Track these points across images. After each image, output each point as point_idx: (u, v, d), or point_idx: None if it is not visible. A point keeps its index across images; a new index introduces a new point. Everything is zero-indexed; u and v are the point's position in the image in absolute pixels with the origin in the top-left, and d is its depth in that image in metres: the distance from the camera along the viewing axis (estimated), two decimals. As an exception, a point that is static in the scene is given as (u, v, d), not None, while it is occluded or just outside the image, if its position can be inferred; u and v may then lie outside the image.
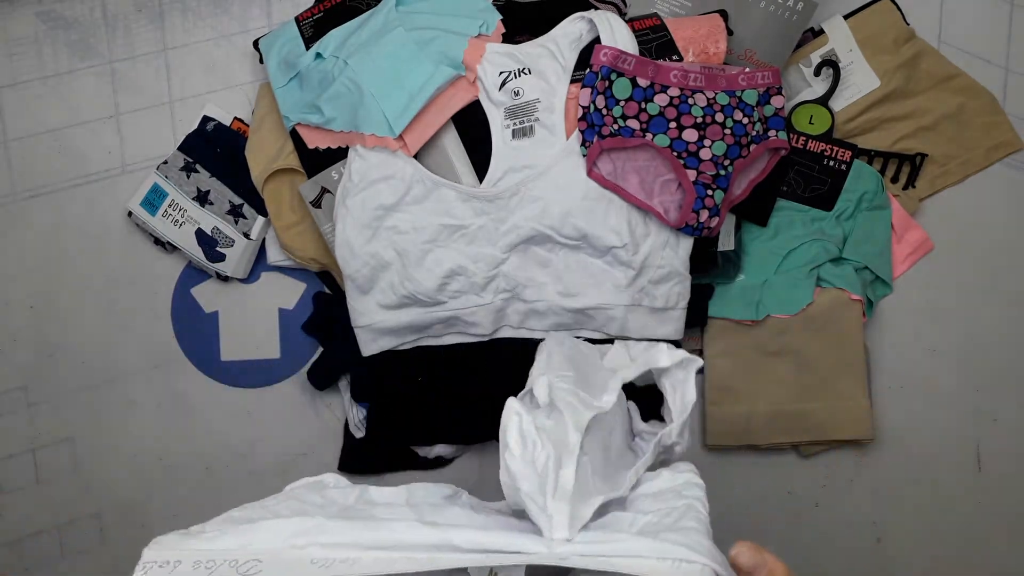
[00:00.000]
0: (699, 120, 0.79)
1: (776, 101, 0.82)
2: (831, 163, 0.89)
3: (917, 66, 0.91)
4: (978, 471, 0.95)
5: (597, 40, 0.80)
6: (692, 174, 0.79)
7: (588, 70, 0.79)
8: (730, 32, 0.84)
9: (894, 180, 0.92)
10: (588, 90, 0.79)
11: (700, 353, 0.91)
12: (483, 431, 0.88)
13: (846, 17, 0.91)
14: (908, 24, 0.91)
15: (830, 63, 0.89)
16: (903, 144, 0.92)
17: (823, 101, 0.89)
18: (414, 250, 0.80)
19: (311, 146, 0.83)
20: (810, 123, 0.89)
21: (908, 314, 0.94)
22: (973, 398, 0.94)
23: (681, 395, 0.67)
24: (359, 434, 0.89)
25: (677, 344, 0.88)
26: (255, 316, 0.91)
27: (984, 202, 0.94)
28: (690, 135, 0.79)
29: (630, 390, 0.82)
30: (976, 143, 0.93)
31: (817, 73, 0.90)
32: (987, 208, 0.94)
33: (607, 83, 0.79)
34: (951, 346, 0.94)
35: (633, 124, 0.79)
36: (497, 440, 0.88)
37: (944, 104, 0.92)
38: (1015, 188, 0.94)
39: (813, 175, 0.89)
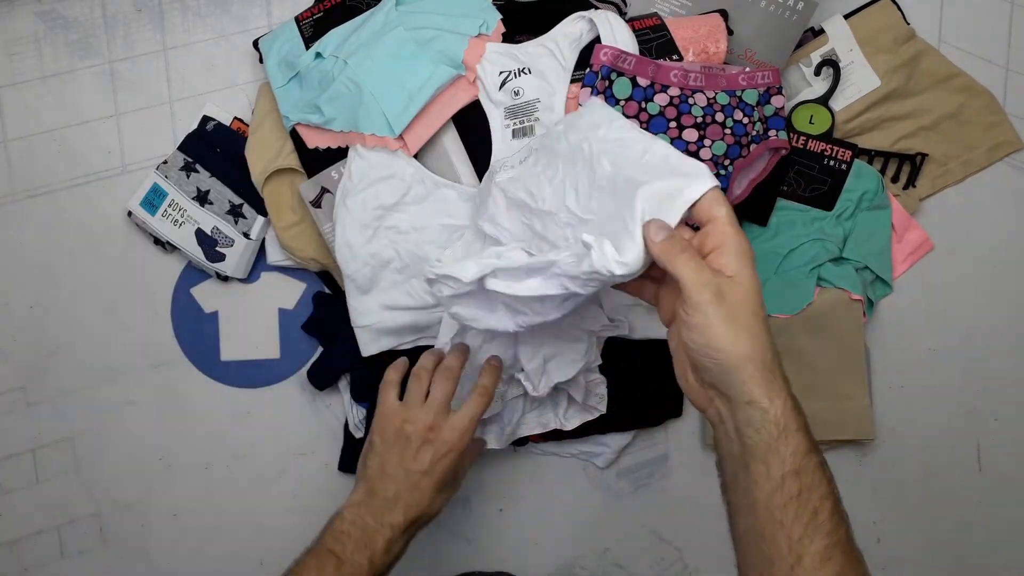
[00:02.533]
0: (699, 120, 0.79)
1: (776, 101, 0.82)
2: (831, 163, 0.89)
3: (917, 66, 0.91)
4: (978, 471, 0.95)
5: (597, 40, 0.80)
6: (692, 174, 0.79)
7: (588, 70, 0.79)
8: (730, 32, 0.84)
9: (894, 180, 0.92)
10: (587, 90, 0.79)
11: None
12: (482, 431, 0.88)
13: (846, 17, 0.91)
14: (908, 24, 0.91)
15: (830, 63, 0.89)
16: (903, 144, 0.92)
17: (823, 101, 0.89)
18: (416, 251, 0.80)
19: (311, 146, 0.83)
20: (810, 123, 0.89)
21: (908, 314, 0.94)
22: (973, 398, 0.94)
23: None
24: (359, 434, 0.89)
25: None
26: (255, 316, 0.91)
27: (984, 202, 0.94)
28: (690, 135, 0.79)
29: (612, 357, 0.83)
30: (976, 143, 0.93)
31: (817, 73, 0.90)
32: (987, 208, 0.94)
33: (607, 83, 0.78)
34: (951, 346, 0.94)
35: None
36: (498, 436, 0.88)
37: (944, 104, 0.92)
38: (1016, 188, 0.94)
39: (813, 175, 0.89)
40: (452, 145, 0.82)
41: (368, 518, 0.71)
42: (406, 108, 0.79)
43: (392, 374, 0.77)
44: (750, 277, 0.54)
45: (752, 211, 0.88)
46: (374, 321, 0.81)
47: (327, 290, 0.90)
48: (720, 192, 0.56)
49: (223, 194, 0.88)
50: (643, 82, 0.79)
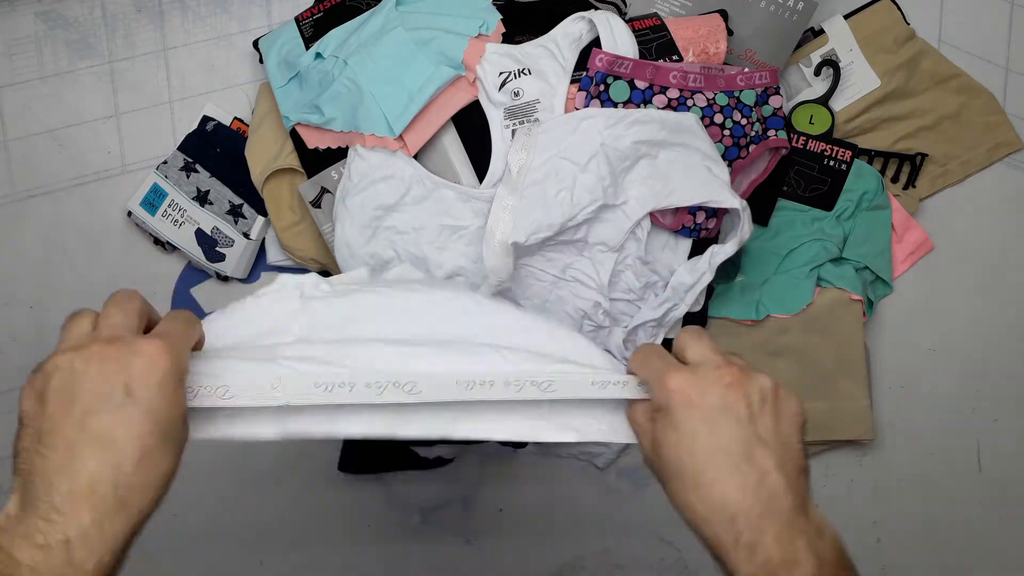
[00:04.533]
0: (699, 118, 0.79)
1: (774, 101, 0.82)
2: (831, 163, 0.89)
3: (917, 66, 0.91)
4: (978, 471, 0.95)
5: (597, 40, 0.80)
6: (692, 174, 0.79)
7: (584, 74, 0.79)
8: (730, 32, 0.84)
9: (894, 180, 0.92)
10: (583, 94, 0.79)
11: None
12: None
13: (846, 17, 0.91)
14: (908, 24, 0.91)
15: (830, 63, 0.89)
16: (903, 144, 0.92)
17: (823, 101, 0.89)
18: (415, 251, 0.80)
19: (311, 146, 0.83)
20: (810, 123, 0.89)
21: (908, 314, 0.94)
22: (973, 398, 0.94)
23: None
24: (359, 434, 0.89)
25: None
26: (255, 316, 0.91)
27: (984, 202, 0.94)
28: (690, 135, 0.79)
29: None
30: (976, 143, 0.93)
31: (817, 73, 0.90)
32: (987, 208, 0.94)
33: (602, 87, 0.78)
34: (951, 346, 0.94)
35: (632, 125, 0.79)
36: (496, 442, 0.89)
37: (944, 104, 0.92)
38: (1016, 188, 0.94)
39: (813, 175, 0.89)
40: (452, 145, 0.82)
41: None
42: (406, 108, 0.79)
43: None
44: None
45: (753, 211, 0.88)
46: (374, 321, 0.81)
47: (327, 290, 0.90)
48: None
49: (223, 194, 0.89)
50: (641, 84, 0.79)
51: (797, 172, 0.89)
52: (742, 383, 0.48)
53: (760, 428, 0.47)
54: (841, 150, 0.88)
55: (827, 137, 0.89)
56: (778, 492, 0.45)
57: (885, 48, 0.90)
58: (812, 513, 0.46)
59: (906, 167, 0.92)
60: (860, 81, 0.90)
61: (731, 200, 0.76)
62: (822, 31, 0.91)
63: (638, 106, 0.78)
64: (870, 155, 0.91)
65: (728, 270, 0.88)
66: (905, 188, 0.92)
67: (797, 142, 0.88)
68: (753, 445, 0.46)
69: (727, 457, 0.46)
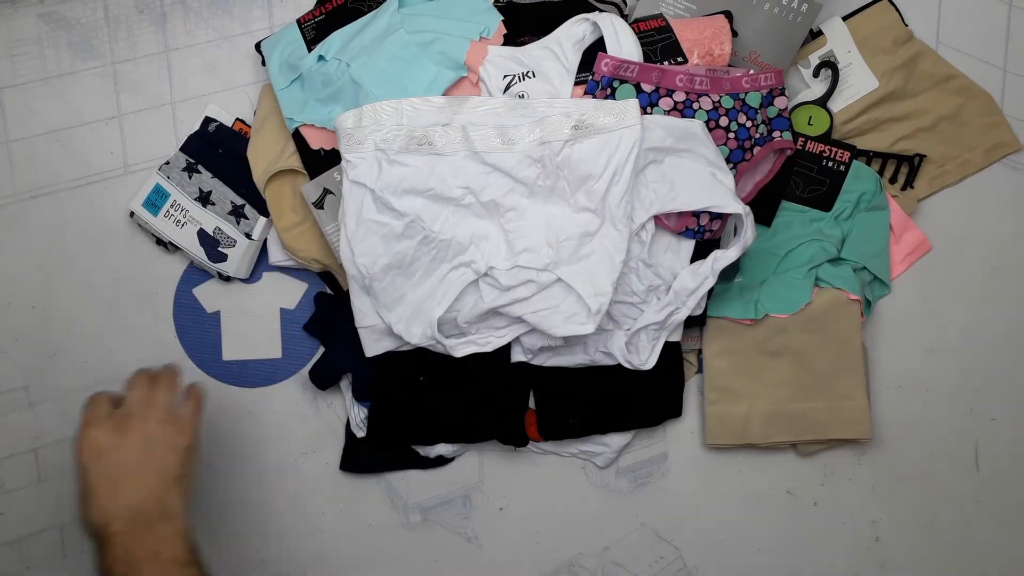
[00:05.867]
0: (704, 124, 0.79)
1: (779, 102, 0.83)
2: (830, 164, 0.89)
3: (915, 67, 0.91)
4: (976, 471, 0.95)
5: (600, 40, 0.80)
6: (694, 177, 0.79)
7: (590, 78, 0.80)
8: (734, 34, 0.85)
9: (892, 181, 0.92)
10: (589, 97, 0.79)
11: (699, 353, 0.92)
12: (484, 431, 0.89)
13: (844, 18, 0.91)
14: (906, 25, 0.92)
15: (829, 64, 0.90)
16: (902, 145, 0.92)
17: (822, 102, 0.90)
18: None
19: (315, 147, 0.83)
20: (809, 124, 0.90)
21: (906, 314, 0.94)
22: (972, 398, 0.95)
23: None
24: (360, 434, 0.89)
25: (677, 345, 0.88)
26: (257, 316, 0.92)
27: (982, 202, 0.94)
28: (693, 138, 0.79)
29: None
30: (974, 144, 0.93)
31: (816, 74, 0.90)
32: (985, 208, 0.94)
33: (608, 91, 0.79)
34: (949, 346, 0.95)
35: (637, 128, 0.79)
36: (497, 441, 0.89)
37: (942, 105, 0.92)
38: (1013, 188, 0.94)
39: (812, 176, 0.89)
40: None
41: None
42: (408, 110, 0.79)
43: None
44: None
45: (756, 211, 0.88)
46: (377, 321, 0.82)
47: (329, 290, 0.91)
48: None
49: (225, 195, 0.89)
50: (647, 87, 0.79)
51: (796, 173, 0.89)
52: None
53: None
54: (839, 151, 0.89)
55: (825, 138, 0.89)
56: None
57: (883, 49, 0.90)
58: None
59: (904, 168, 0.92)
60: (858, 82, 0.90)
61: (735, 206, 0.76)
62: (820, 32, 0.91)
63: (644, 109, 0.79)
64: (868, 156, 0.91)
65: (727, 270, 0.89)
66: (903, 189, 0.93)
67: (796, 143, 0.89)
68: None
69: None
